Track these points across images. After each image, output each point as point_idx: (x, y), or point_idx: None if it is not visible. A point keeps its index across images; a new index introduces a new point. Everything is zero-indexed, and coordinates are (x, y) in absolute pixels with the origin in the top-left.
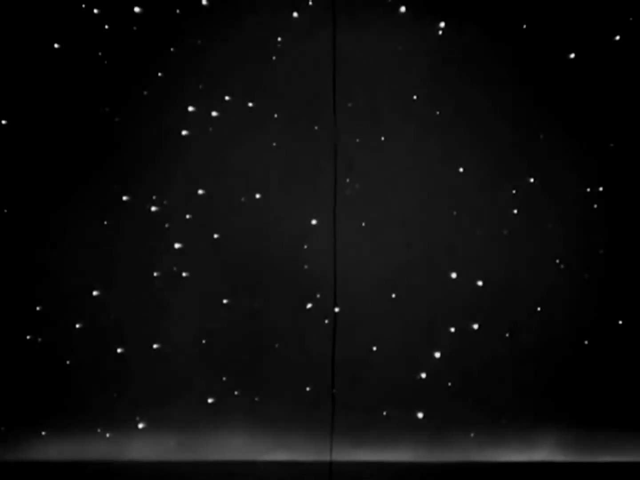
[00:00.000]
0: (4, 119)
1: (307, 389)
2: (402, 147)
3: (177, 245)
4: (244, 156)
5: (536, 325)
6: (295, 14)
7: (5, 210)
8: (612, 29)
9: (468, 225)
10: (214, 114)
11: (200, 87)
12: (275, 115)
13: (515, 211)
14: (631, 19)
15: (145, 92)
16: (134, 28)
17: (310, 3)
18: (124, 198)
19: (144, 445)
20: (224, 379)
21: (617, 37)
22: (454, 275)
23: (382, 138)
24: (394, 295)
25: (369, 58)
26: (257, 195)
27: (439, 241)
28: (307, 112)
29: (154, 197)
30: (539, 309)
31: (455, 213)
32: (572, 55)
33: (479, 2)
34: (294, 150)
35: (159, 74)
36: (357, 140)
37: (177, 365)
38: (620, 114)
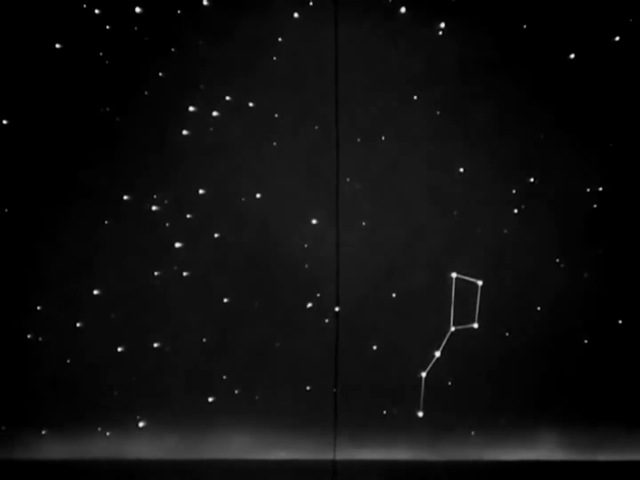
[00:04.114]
0: (4, 119)
1: (308, 388)
2: (403, 146)
3: (177, 245)
4: (244, 156)
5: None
6: (295, 14)
7: (6, 210)
8: (612, 29)
9: (468, 225)
10: (214, 114)
11: (201, 87)
12: (276, 115)
13: (516, 211)
14: (631, 19)
15: (145, 92)
16: (135, 28)
17: (311, 3)
18: (124, 198)
19: (144, 444)
20: (224, 377)
21: (617, 38)
22: (454, 275)
23: (383, 138)
24: (394, 295)
25: (370, 58)
26: (257, 195)
27: (439, 241)
28: (308, 112)
29: (154, 197)
30: (539, 308)
31: (455, 213)
32: (572, 56)
33: (479, 2)
34: (295, 150)
35: (159, 74)
36: (358, 140)
37: (177, 365)
38: (620, 114)
